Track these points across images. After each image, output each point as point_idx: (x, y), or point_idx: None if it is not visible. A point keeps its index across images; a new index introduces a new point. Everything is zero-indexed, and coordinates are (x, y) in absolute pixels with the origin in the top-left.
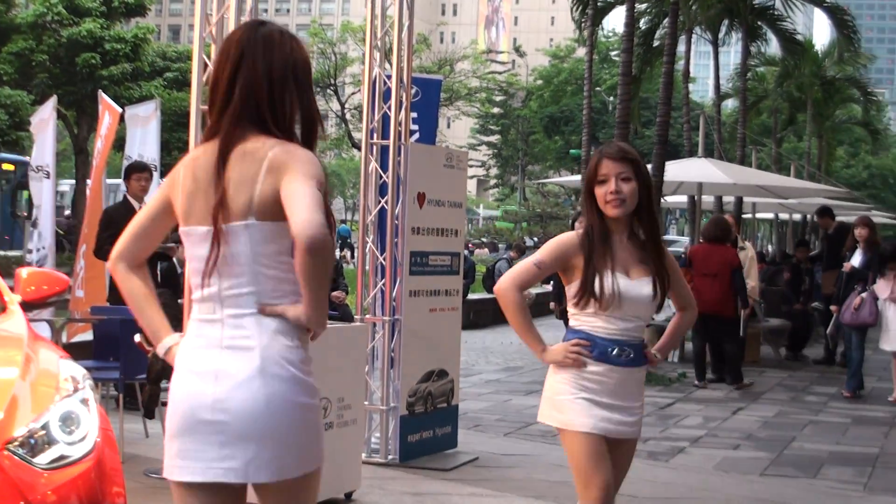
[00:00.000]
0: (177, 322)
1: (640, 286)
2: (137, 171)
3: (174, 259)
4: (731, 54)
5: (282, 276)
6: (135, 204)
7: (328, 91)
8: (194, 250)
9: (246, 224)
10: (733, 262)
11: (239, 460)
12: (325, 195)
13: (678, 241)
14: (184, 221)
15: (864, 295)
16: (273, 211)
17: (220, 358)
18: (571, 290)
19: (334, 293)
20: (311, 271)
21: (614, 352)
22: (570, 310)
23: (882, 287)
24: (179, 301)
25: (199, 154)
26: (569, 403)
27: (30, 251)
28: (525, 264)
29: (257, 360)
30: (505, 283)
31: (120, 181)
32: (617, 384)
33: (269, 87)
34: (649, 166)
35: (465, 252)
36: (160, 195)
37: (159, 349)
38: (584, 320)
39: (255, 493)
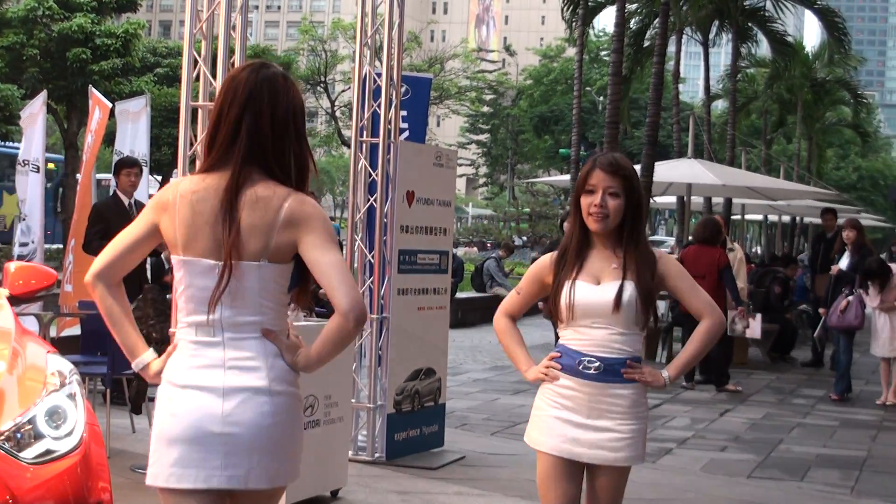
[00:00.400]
0: (164, 317)
1: (602, 291)
2: (127, 167)
3: (162, 255)
4: (722, 55)
5: (280, 308)
6: (124, 199)
7: (318, 88)
8: (195, 279)
9: (259, 265)
10: (720, 262)
11: (242, 468)
12: None
13: (666, 241)
14: (182, 251)
15: (850, 298)
16: (284, 256)
17: (226, 376)
18: (548, 305)
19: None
20: (347, 340)
21: (581, 364)
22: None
23: (870, 296)
24: (167, 296)
25: (199, 187)
26: (538, 420)
27: (16, 245)
28: (511, 292)
29: (265, 380)
30: (497, 312)
31: (108, 175)
32: (592, 401)
33: (272, 129)
34: (638, 167)
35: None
36: (147, 220)
37: (135, 365)
38: (562, 334)
39: (242, 500)
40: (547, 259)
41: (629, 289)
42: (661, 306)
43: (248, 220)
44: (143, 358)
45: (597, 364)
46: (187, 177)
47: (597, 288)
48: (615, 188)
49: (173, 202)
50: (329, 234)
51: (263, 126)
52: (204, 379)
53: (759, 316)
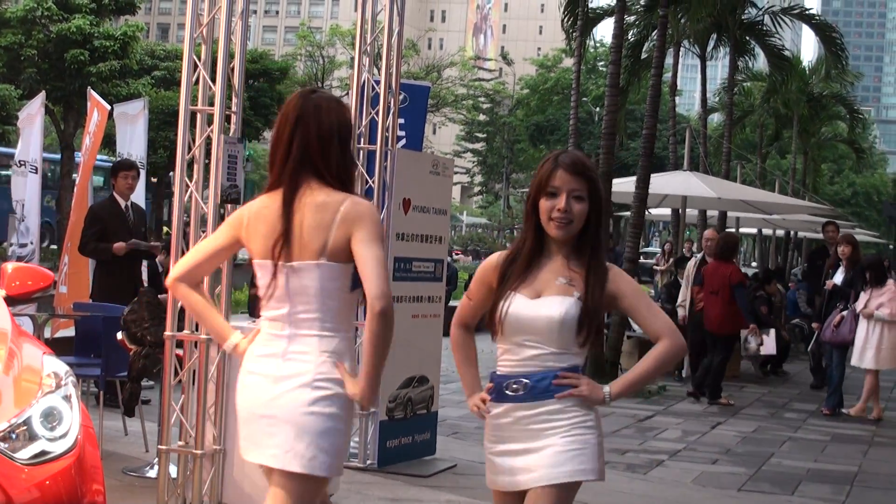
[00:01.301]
0: (159, 320)
1: (540, 306)
2: (125, 170)
3: (157, 259)
4: (719, 68)
5: (342, 307)
6: (120, 201)
7: None
8: (264, 279)
9: (318, 263)
10: (732, 278)
11: (281, 449)
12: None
13: (658, 253)
14: (255, 256)
15: (844, 313)
16: (342, 255)
17: (282, 367)
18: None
19: None
20: (378, 330)
21: (508, 388)
22: None
23: (860, 303)
24: (162, 297)
25: (267, 203)
26: (486, 460)
27: (13, 245)
28: (463, 298)
29: (310, 375)
30: (452, 320)
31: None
32: (524, 423)
33: (318, 143)
34: (633, 178)
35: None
36: (228, 234)
37: (226, 347)
38: (499, 355)
39: (280, 479)
40: (493, 260)
41: (573, 306)
42: None
43: (310, 222)
44: (232, 340)
45: (524, 383)
46: (259, 197)
47: (533, 303)
48: (580, 191)
49: (248, 216)
50: (377, 233)
51: (311, 141)
52: (265, 367)
53: (772, 332)
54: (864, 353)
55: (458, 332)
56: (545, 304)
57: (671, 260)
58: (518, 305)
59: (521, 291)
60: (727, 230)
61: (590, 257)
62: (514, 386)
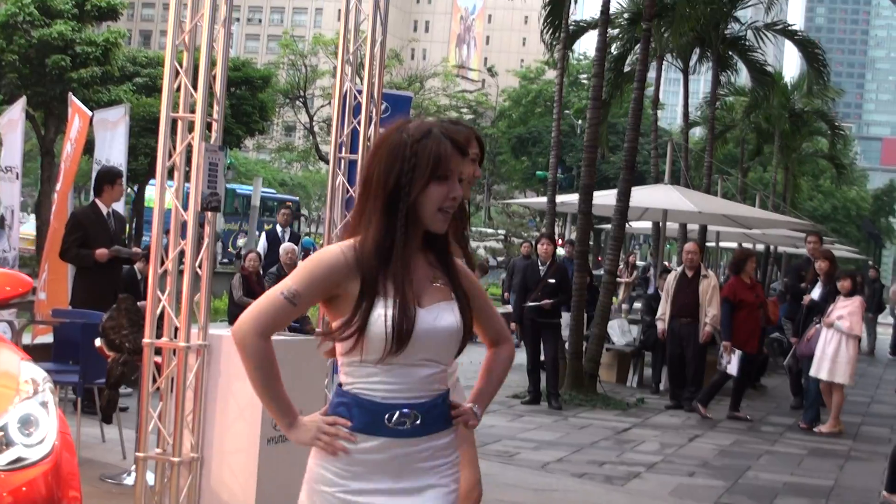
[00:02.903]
0: (138, 327)
1: (434, 316)
2: (119, 177)
3: (135, 266)
4: (701, 82)
5: None
6: (103, 208)
7: (297, 103)
8: None
9: None
10: (722, 291)
11: None
12: None
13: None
14: None
15: (818, 326)
16: None
17: None
18: (342, 331)
19: None
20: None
21: (394, 418)
22: (341, 359)
23: (832, 305)
24: (140, 304)
25: None
26: (322, 496)
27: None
28: (271, 296)
29: None
30: (243, 325)
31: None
32: (405, 460)
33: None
34: (614, 191)
35: None
36: None
37: None
38: (358, 376)
39: None
40: (341, 259)
41: (461, 313)
42: (635, 330)
43: None
44: None
45: (412, 415)
46: None
47: (426, 312)
48: (464, 176)
49: None
50: None
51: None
52: None
53: (738, 353)
54: (822, 363)
55: (260, 342)
56: (437, 312)
57: (634, 273)
58: (422, 318)
59: (410, 300)
60: (744, 246)
61: (446, 252)
62: (402, 419)
